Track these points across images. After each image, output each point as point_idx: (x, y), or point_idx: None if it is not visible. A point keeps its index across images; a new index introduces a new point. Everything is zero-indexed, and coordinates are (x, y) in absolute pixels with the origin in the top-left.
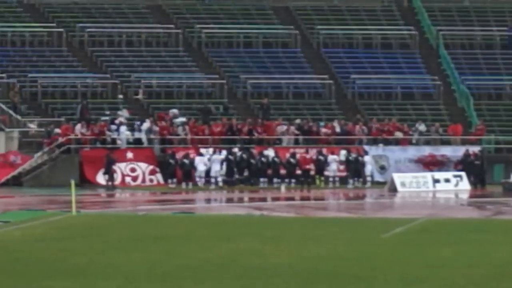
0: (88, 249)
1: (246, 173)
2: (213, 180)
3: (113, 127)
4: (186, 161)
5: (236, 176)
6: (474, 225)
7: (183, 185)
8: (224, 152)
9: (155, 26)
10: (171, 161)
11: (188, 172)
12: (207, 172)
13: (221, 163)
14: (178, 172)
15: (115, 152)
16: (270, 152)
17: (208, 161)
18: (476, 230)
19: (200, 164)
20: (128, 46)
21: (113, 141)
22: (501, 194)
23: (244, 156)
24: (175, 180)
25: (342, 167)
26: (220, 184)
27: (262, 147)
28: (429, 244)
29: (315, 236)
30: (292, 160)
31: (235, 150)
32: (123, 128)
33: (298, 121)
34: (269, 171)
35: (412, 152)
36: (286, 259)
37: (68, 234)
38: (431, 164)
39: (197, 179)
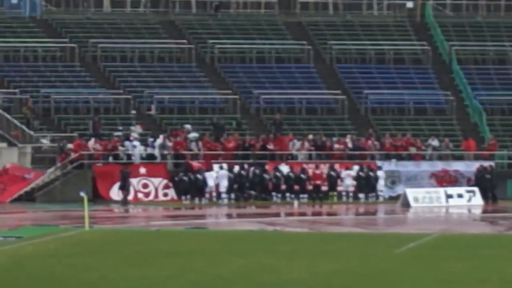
0: (101, 265)
1: (258, 189)
2: (222, 195)
3: (128, 143)
4: (199, 176)
5: (248, 191)
6: (486, 241)
7: (196, 200)
8: (227, 167)
9: (167, 42)
10: (184, 177)
11: (200, 187)
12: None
13: (228, 179)
14: (190, 187)
15: (128, 167)
16: (283, 168)
17: (216, 177)
18: (488, 246)
19: (210, 180)
20: (141, 62)
21: (128, 156)
22: None
23: (257, 171)
24: (188, 196)
25: (355, 182)
26: (230, 200)
27: (275, 162)
28: (441, 259)
29: (328, 251)
30: (302, 175)
31: (246, 166)
32: (136, 144)
33: (311, 136)
34: (283, 187)
35: (425, 167)
36: (299, 275)
37: (81, 249)
38: (444, 180)
39: (207, 195)
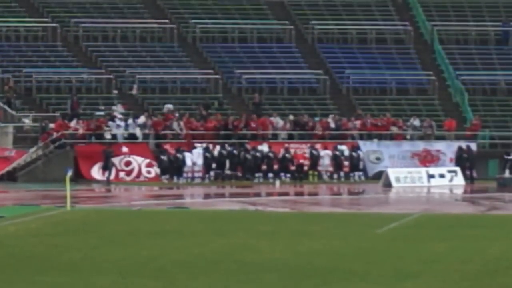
0: (83, 244)
1: (239, 169)
2: (196, 174)
3: (112, 123)
4: (179, 155)
5: (229, 171)
6: (468, 221)
7: (174, 179)
8: (204, 147)
9: (149, 21)
10: (163, 157)
11: (179, 167)
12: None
13: (205, 158)
14: (170, 166)
15: (111, 147)
16: (264, 147)
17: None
18: (470, 226)
19: (188, 159)
20: (123, 41)
21: (113, 136)
22: (495, 189)
23: (235, 151)
24: (167, 175)
25: (346, 162)
26: (204, 179)
27: (256, 142)
28: (423, 240)
29: (309, 231)
30: (287, 155)
31: (226, 145)
32: (121, 124)
33: (291, 117)
34: (264, 166)
35: (407, 147)
36: (281, 255)
37: (63, 229)
38: (426, 160)
39: (185, 174)
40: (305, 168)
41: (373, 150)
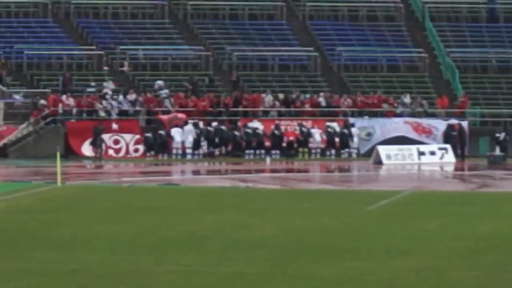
0: (73, 221)
1: (230, 146)
2: (187, 151)
3: (104, 101)
4: (162, 132)
5: (216, 148)
6: (459, 198)
7: (159, 156)
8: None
9: None
10: (148, 134)
11: (164, 143)
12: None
13: (195, 134)
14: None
15: (102, 124)
16: (254, 125)
17: (183, 133)
18: (461, 203)
19: (177, 135)
20: (114, 18)
21: (107, 113)
22: (486, 167)
23: (224, 128)
24: (152, 152)
25: (337, 139)
26: (194, 156)
27: (247, 119)
28: (414, 217)
29: (300, 208)
30: (276, 132)
31: (215, 123)
32: (113, 102)
33: (281, 95)
34: (254, 143)
35: (398, 120)
36: (271, 231)
37: (53, 205)
38: (419, 130)
39: (174, 150)
40: (295, 145)
41: (364, 126)
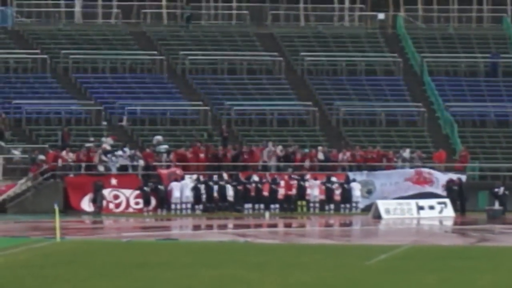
0: (72, 276)
1: (230, 199)
2: (184, 206)
3: (104, 157)
4: (161, 187)
5: (216, 203)
6: (458, 252)
7: (158, 211)
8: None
9: (139, 53)
10: (146, 188)
11: (162, 198)
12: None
13: (194, 189)
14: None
15: (101, 179)
16: (254, 178)
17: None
18: (460, 257)
19: (176, 190)
20: (112, 73)
21: (106, 168)
22: (485, 221)
23: (222, 183)
24: (150, 207)
25: (336, 193)
26: (193, 211)
27: (247, 172)
28: (413, 271)
29: (299, 263)
30: (273, 186)
31: (215, 177)
32: (116, 157)
33: (280, 148)
34: (252, 197)
35: (396, 177)
36: (271, 286)
37: (52, 261)
38: (419, 181)
39: (173, 205)
40: (293, 198)
41: (364, 180)
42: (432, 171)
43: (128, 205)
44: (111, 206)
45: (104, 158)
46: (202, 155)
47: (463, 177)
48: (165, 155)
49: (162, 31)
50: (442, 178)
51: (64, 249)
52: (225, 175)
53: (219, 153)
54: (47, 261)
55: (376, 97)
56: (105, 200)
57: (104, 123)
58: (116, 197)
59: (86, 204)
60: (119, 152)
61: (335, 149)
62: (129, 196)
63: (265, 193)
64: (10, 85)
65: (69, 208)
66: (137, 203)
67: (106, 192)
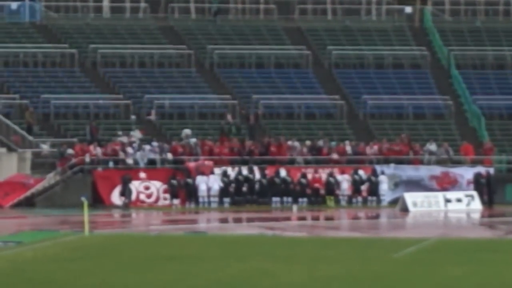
0: (101, 270)
1: (256, 193)
2: (212, 199)
3: (130, 150)
4: (189, 180)
5: (244, 196)
6: (485, 245)
7: (186, 205)
8: (221, 172)
9: (167, 47)
10: (173, 181)
11: (190, 192)
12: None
13: (222, 182)
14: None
15: (129, 173)
16: (282, 172)
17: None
18: (487, 250)
19: (202, 184)
20: (141, 67)
21: (135, 162)
22: None
23: (250, 176)
24: (178, 200)
25: (363, 187)
26: (220, 204)
27: (275, 166)
28: (440, 264)
29: (327, 256)
30: (303, 180)
31: (244, 170)
32: (143, 150)
33: (308, 142)
34: (281, 191)
35: (424, 171)
36: (298, 279)
37: (81, 254)
38: (444, 182)
39: (200, 199)
40: (321, 192)
41: (391, 174)
42: (458, 170)
43: (158, 198)
44: (142, 196)
45: (130, 150)
46: (228, 149)
47: (491, 170)
48: (196, 147)
49: (190, 25)
50: (469, 174)
51: (93, 243)
52: (254, 168)
53: (247, 147)
54: (76, 255)
55: (403, 90)
56: (134, 193)
57: (133, 117)
58: (147, 187)
59: (116, 198)
60: (147, 147)
61: (362, 142)
62: (159, 188)
63: (293, 187)
64: (39, 80)
65: (98, 202)
66: (165, 199)
67: (136, 183)
